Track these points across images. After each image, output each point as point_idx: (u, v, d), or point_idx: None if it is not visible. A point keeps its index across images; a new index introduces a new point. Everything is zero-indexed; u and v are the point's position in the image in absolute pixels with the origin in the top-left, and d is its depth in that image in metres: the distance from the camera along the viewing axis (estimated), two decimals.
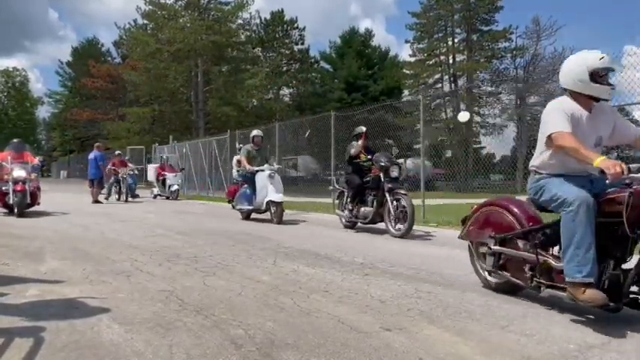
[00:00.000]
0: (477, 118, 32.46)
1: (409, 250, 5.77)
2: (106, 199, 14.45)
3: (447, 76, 36.80)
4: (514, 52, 33.90)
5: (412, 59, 37.61)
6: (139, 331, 2.65)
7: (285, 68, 43.20)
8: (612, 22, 62.05)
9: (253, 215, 9.37)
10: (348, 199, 7.75)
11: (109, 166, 14.71)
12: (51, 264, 4.59)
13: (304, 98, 42.20)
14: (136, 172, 17.39)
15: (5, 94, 59.68)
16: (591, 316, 3.01)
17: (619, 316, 3.01)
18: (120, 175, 14.56)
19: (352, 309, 3.14)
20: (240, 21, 35.84)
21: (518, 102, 30.91)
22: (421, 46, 36.92)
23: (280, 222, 8.48)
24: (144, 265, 4.55)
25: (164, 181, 16.80)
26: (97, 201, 13.71)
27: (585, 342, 2.56)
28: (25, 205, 9.42)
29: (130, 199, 14.79)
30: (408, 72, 38.10)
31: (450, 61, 36.48)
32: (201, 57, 33.26)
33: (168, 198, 16.37)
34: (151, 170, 18.67)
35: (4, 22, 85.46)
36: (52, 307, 3.10)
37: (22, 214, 9.22)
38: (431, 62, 36.76)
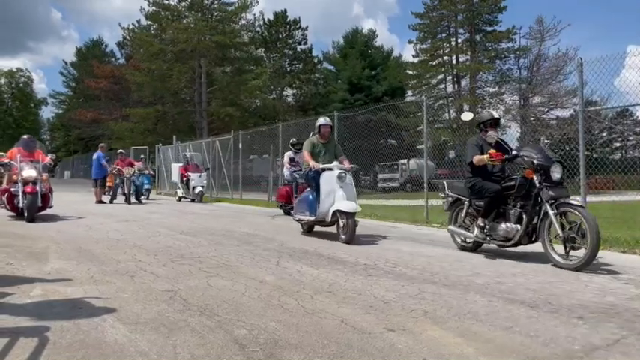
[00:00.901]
0: None
1: (412, 250, 5.76)
2: (111, 202, 14.02)
3: (450, 77, 36.79)
4: (517, 52, 33.86)
5: (415, 60, 37.65)
6: (143, 331, 2.66)
7: (288, 69, 43.28)
8: (616, 22, 61.87)
9: (316, 228, 7.44)
10: (468, 211, 5.79)
11: (112, 166, 14.35)
12: (55, 264, 4.61)
13: (307, 98, 42.25)
14: (151, 172, 17.22)
15: (9, 94, 59.94)
16: (595, 317, 3.00)
17: (623, 316, 3.00)
18: (124, 175, 14.11)
19: (356, 309, 3.14)
20: (243, 22, 36.00)
21: (522, 102, 30.86)
22: (424, 46, 36.94)
23: (351, 240, 6.24)
24: (148, 265, 4.57)
25: (188, 182, 15.96)
26: (100, 201, 13.73)
27: (590, 343, 2.55)
28: (36, 208, 8.55)
29: (134, 200, 14.21)
30: (411, 72, 38.09)
31: (454, 62, 36.47)
32: (205, 57, 33.33)
33: (193, 200, 15.63)
34: (175, 170, 17.66)
35: (7, 22, 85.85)
36: (56, 307, 3.11)
37: (32, 219, 8.35)
38: (434, 63, 36.76)
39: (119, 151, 16.60)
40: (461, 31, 36.23)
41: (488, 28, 35.39)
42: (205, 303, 3.25)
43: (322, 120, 7.37)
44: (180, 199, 16.39)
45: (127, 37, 40.13)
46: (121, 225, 8.29)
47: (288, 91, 44.24)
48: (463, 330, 2.75)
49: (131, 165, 14.56)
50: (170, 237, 6.76)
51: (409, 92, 39.14)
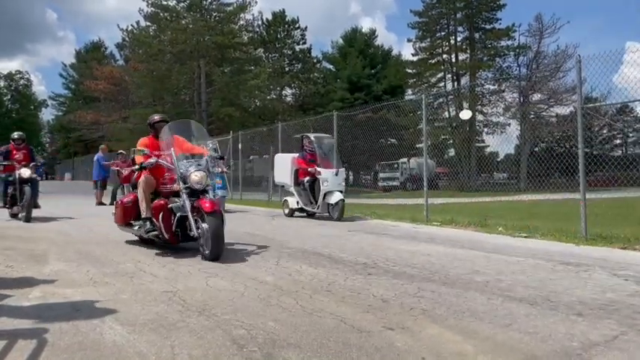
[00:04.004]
0: (480, 117, 32.44)
1: (412, 249, 5.76)
2: (111, 204, 13.99)
3: (449, 75, 36.76)
4: (517, 50, 33.84)
5: (414, 58, 37.62)
6: (141, 332, 2.66)
7: (287, 68, 43.24)
8: (615, 18, 61.80)
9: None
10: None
11: (112, 168, 14.32)
12: (55, 266, 4.61)
13: (307, 98, 42.21)
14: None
15: (9, 97, 59.97)
16: (594, 314, 3.00)
17: (622, 312, 3.00)
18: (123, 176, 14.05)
19: (355, 309, 3.14)
20: (242, 22, 35.94)
21: (522, 100, 30.84)
22: (423, 44, 36.91)
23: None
24: (147, 267, 4.57)
25: (313, 184, 10.62)
26: (101, 203, 13.73)
27: (589, 340, 2.55)
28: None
29: None
30: (410, 71, 38.08)
31: (453, 60, 36.43)
32: (204, 58, 33.31)
33: (331, 218, 10.05)
34: (283, 165, 11.70)
35: (3, 23, 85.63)
36: (55, 309, 3.11)
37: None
38: (433, 61, 36.73)
39: (120, 151, 16.52)
40: (460, 29, 36.23)
41: (488, 26, 35.37)
42: (204, 303, 3.25)
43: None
44: (292, 212, 10.43)
45: (126, 39, 40.10)
46: None
47: (288, 91, 44.25)
48: (462, 328, 2.75)
49: (130, 166, 14.42)
50: None
51: (409, 91, 39.13)
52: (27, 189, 8.80)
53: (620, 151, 36.73)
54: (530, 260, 4.93)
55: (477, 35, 35.49)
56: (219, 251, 4.83)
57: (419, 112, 11.60)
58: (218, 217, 4.86)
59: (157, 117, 6.05)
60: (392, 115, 19.80)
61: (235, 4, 34.81)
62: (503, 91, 32.45)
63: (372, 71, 40.79)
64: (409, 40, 37.62)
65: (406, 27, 38.14)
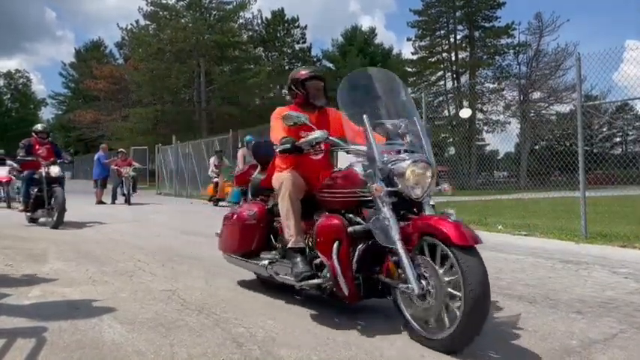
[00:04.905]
0: (480, 115, 32.41)
1: None
2: (112, 203, 13.79)
3: (449, 74, 36.72)
4: (517, 48, 33.80)
5: (414, 57, 37.58)
6: (140, 331, 2.65)
7: (287, 67, 43.17)
8: (615, 17, 61.78)
9: None
10: None
11: (112, 166, 14.25)
12: (54, 265, 4.61)
13: None
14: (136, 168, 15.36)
15: (9, 96, 59.92)
16: (594, 312, 3.00)
17: (622, 310, 3.00)
18: (122, 175, 13.85)
19: (355, 308, 3.13)
20: (241, 20, 35.94)
21: (522, 98, 30.82)
22: (423, 43, 36.87)
23: None
24: (147, 266, 4.56)
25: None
26: (101, 201, 13.71)
27: (588, 338, 2.55)
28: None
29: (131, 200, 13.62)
30: (410, 69, 38.04)
31: (453, 58, 36.40)
32: (204, 57, 33.32)
33: None
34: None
35: (1, 22, 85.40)
36: (54, 308, 3.11)
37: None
38: (433, 59, 36.69)
39: (120, 150, 16.42)
40: (460, 27, 36.16)
41: (487, 24, 35.32)
42: (203, 302, 3.25)
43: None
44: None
45: (126, 38, 40.09)
46: (121, 225, 8.29)
47: None
48: None
49: (130, 165, 14.38)
50: (170, 237, 6.76)
51: (409, 89, 39.06)
52: (58, 190, 7.66)
53: (620, 149, 36.72)
54: (530, 258, 4.93)
55: (476, 34, 35.44)
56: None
57: (419, 111, 11.60)
58: (478, 258, 2.24)
59: (305, 71, 3.46)
60: None
61: (235, 3, 34.83)
62: (503, 90, 32.43)
63: None
64: (409, 39, 37.52)
65: (405, 26, 38.14)
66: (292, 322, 2.81)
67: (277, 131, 3.15)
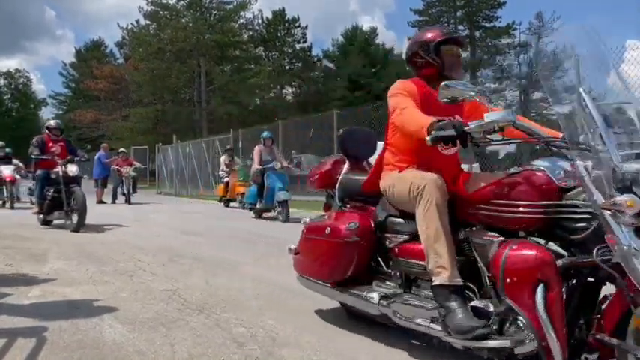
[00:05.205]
0: None
1: None
2: (113, 202, 13.72)
3: None
4: (517, 48, 33.82)
5: None
6: (141, 330, 2.66)
7: (287, 67, 43.19)
8: (615, 17, 61.77)
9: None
10: None
11: (113, 166, 14.23)
12: (55, 264, 4.61)
13: (307, 96, 42.16)
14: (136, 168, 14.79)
15: (9, 95, 59.93)
16: None
17: None
18: (123, 174, 13.82)
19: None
20: (242, 20, 35.94)
21: (523, 98, 30.83)
22: None
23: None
24: (147, 265, 4.56)
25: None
26: (101, 201, 13.69)
27: None
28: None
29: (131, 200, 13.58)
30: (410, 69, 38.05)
31: None
32: (204, 56, 33.31)
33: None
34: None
35: (1, 22, 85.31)
36: (54, 307, 3.11)
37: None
38: None
39: (121, 149, 16.37)
40: (460, 27, 36.18)
41: (488, 24, 35.37)
42: (204, 302, 3.25)
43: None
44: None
45: (126, 37, 40.10)
46: (121, 225, 8.28)
47: (288, 90, 44.20)
48: None
49: (130, 164, 14.36)
50: (170, 237, 6.76)
51: None
52: (78, 190, 7.19)
53: None
54: None
55: (477, 33, 35.51)
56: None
57: None
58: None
59: (439, 31, 2.54)
60: None
61: (235, 3, 34.80)
62: (504, 89, 32.44)
63: (373, 70, 40.68)
64: (409, 39, 37.51)
65: (406, 25, 38.12)
66: (293, 322, 2.81)
67: (412, 112, 2.22)
